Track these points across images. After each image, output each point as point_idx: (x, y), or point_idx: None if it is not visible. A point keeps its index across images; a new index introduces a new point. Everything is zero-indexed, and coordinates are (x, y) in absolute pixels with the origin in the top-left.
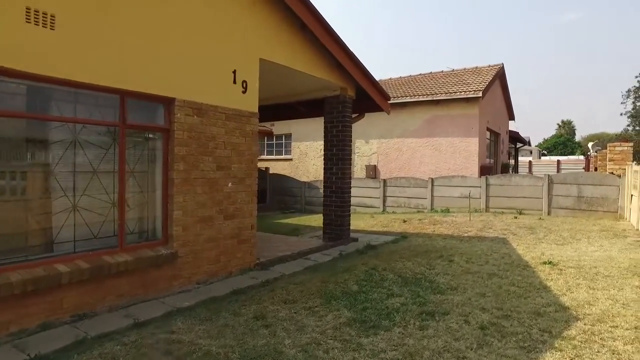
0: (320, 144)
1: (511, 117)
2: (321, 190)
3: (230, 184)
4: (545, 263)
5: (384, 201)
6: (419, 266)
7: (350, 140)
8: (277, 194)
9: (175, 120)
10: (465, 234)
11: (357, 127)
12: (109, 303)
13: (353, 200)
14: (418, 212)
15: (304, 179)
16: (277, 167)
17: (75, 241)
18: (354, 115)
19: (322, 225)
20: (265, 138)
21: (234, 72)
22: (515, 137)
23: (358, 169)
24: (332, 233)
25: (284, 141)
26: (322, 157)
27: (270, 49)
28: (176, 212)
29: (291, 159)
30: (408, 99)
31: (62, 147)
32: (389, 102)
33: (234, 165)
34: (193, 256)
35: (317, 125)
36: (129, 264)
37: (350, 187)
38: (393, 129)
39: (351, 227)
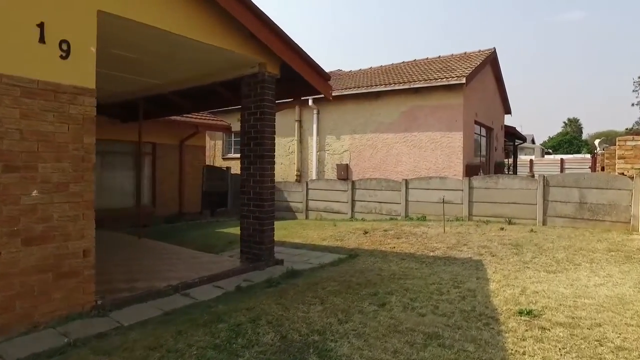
0: (287, 140)
1: (507, 110)
2: (285, 194)
3: (35, 192)
4: (521, 313)
5: (353, 206)
6: (329, 316)
7: (273, 132)
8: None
9: None
10: (431, 253)
11: (328, 121)
12: None
13: (319, 205)
14: (390, 219)
15: None
16: None
17: None
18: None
19: None
20: (232, 135)
21: (41, 25)
22: (512, 133)
23: (329, 169)
24: (250, 253)
25: None
26: (289, 156)
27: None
28: None
29: None
30: (382, 88)
31: None
32: (329, 82)
33: (44, 164)
34: None
35: (282, 118)
36: None
37: (272, 193)
38: (367, 123)
39: (300, 240)
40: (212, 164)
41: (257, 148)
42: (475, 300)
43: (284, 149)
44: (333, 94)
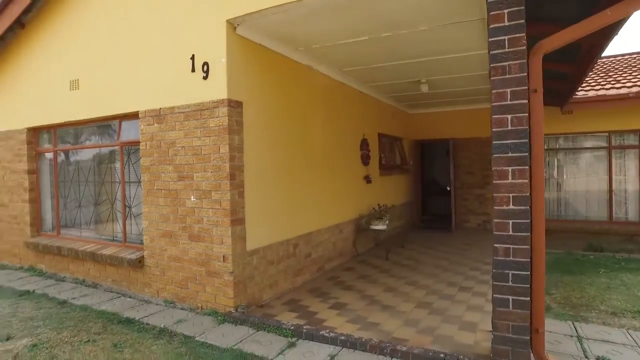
0: None
1: None
2: None
3: (193, 197)
4: None
5: None
6: None
7: (519, 97)
8: None
9: (140, 132)
10: None
11: None
12: (109, 283)
13: None
14: None
15: None
16: None
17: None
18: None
19: None
20: None
21: (192, 57)
22: None
23: None
24: (496, 339)
25: None
26: None
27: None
28: (144, 222)
29: None
30: None
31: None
32: None
33: (197, 174)
34: (160, 271)
35: None
36: (111, 257)
37: (523, 240)
38: None
39: None
40: None
41: (495, 133)
42: None
43: None
44: None
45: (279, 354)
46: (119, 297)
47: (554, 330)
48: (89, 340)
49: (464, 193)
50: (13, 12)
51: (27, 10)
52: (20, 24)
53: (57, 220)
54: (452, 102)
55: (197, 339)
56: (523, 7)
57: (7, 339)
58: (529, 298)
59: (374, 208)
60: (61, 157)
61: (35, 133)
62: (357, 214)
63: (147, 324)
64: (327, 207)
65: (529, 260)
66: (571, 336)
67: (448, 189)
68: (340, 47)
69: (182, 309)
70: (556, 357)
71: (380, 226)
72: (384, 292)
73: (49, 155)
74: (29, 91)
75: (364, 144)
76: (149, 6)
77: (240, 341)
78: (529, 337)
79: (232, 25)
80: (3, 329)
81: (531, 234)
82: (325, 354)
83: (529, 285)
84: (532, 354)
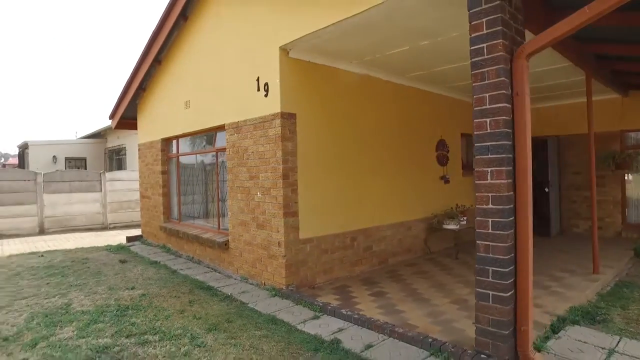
0: None
1: None
2: None
3: (259, 193)
4: None
5: None
6: None
7: (499, 100)
8: None
9: (226, 141)
10: None
11: None
12: (207, 261)
13: None
14: None
15: None
16: None
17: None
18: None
19: None
20: None
21: (258, 79)
22: None
23: None
24: (482, 336)
25: None
26: None
27: (295, 20)
28: (229, 212)
29: None
30: None
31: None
32: None
33: (261, 174)
34: (239, 252)
35: None
36: (208, 240)
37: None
38: None
39: None
40: None
41: (476, 136)
42: None
43: None
44: None
45: (300, 322)
46: (211, 271)
47: (591, 341)
48: (176, 296)
49: (571, 195)
50: (152, 52)
51: (161, 50)
52: (157, 61)
53: (179, 210)
54: (549, 97)
55: (248, 305)
56: (500, 15)
57: (131, 289)
58: (508, 294)
59: (451, 208)
60: (181, 161)
61: (166, 142)
62: (430, 213)
63: (220, 291)
64: (391, 205)
65: (508, 257)
66: (603, 348)
67: (547, 190)
68: (393, 57)
69: (250, 283)
70: (545, 357)
71: (452, 225)
72: (430, 287)
73: (174, 159)
74: (163, 110)
75: (440, 145)
76: (230, 44)
77: (278, 310)
78: (507, 332)
79: (285, 50)
80: (131, 283)
81: (516, 233)
82: (336, 326)
83: (508, 282)
84: (517, 352)
